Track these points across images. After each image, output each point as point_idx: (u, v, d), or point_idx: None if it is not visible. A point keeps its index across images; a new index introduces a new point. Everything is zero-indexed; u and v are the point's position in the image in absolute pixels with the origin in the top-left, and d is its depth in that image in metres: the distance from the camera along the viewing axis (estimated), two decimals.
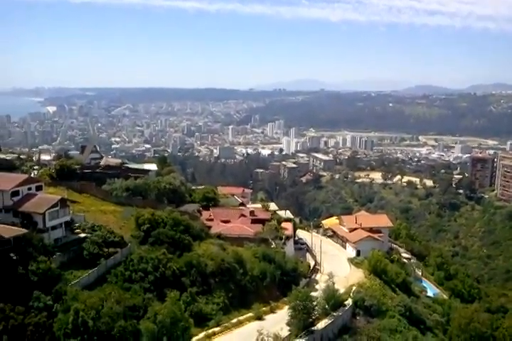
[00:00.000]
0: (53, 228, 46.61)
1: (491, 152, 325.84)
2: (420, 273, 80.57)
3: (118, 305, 36.80)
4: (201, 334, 41.27)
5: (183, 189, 72.95)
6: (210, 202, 74.66)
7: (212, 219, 65.79)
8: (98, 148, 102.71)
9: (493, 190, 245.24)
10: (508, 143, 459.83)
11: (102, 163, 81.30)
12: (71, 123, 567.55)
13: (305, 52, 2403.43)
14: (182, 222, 54.13)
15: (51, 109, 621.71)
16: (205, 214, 67.94)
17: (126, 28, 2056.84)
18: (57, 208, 47.16)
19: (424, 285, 76.40)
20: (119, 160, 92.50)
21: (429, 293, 73.15)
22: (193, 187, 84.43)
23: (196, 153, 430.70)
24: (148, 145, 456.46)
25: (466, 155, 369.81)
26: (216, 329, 42.81)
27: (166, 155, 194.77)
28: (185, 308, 41.32)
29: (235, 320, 45.24)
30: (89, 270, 42.82)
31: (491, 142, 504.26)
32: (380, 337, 47.45)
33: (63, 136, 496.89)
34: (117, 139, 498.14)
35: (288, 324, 43.27)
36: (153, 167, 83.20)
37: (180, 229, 53.05)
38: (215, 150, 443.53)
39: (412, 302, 60.64)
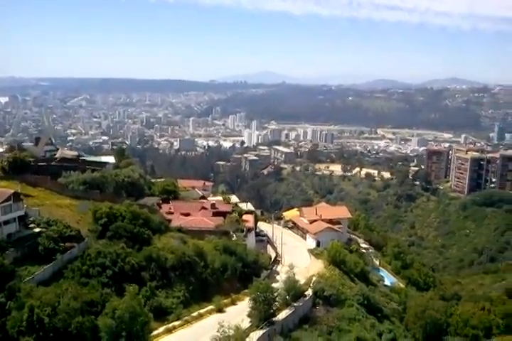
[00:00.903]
0: (6, 223, 44.88)
1: (446, 145, 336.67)
2: (378, 263, 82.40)
3: (75, 301, 35.90)
4: (161, 329, 40.86)
5: (142, 182, 71.67)
6: (170, 195, 73.79)
7: (172, 213, 65.01)
8: (53, 140, 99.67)
9: (448, 182, 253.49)
10: (463, 136, 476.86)
11: (58, 155, 78.74)
12: (25, 114, 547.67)
13: (266, 45, 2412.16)
14: (141, 216, 53.20)
15: (3, 99, 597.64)
16: (165, 207, 67.07)
17: (84, 15, 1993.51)
18: (10, 202, 45.43)
19: (382, 274, 78.13)
20: (75, 153, 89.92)
21: (387, 282, 74.89)
22: (153, 180, 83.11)
23: (156, 146, 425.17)
24: (105, 137, 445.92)
25: (423, 147, 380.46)
26: (176, 323, 42.47)
27: (125, 147, 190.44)
28: (145, 303, 40.78)
29: (195, 313, 45.01)
30: (45, 265, 41.50)
31: (446, 135, 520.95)
32: (339, 326, 48.31)
33: (16, 127, 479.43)
34: (73, 131, 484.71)
35: (249, 315, 43.39)
36: (110, 159, 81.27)
37: (140, 222, 52.15)
38: (175, 143, 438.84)
39: (370, 291, 61.98)
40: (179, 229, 57.91)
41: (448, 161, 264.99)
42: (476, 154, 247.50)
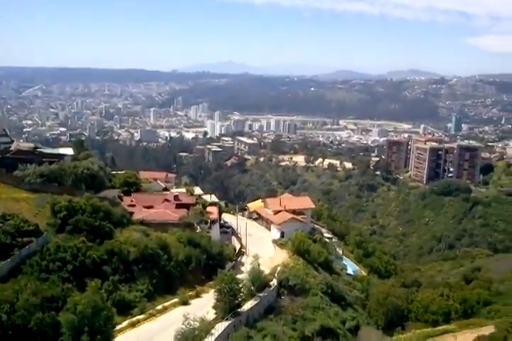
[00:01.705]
0: None
1: (406, 135, 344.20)
2: (341, 252, 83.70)
3: (34, 297, 34.65)
4: (125, 323, 40.12)
5: (102, 174, 69.81)
6: (131, 187, 72.24)
7: (134, 205, 63.71)
8: (8, 132, 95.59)
9: (408, 172, 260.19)
10: (421, 126, 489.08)
11: (13, 147, 75.53)
12: None
13: (228, 35, 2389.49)
14: (101, 209, 51.79)
15: None
16: (127, 199, 65.65)
17: (39, 1, 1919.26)
18: None
19: (345, 263, 79.46)
20: (31, 145, 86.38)
21: (349, 271, 76.24)
22: (113, 172, 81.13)
23: (116, 137, 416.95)
24: (63, 129, 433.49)
25: (383, 138, 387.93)
26: (140, 316, 41.78)
27: (83, 138, 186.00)
28: (108, 297, 39.81)
29: (159, 307, 44.43)
30: (2, 262, 39.88)
31: (405, 126, 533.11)
32: (303, 315, 48.75)
33: None
34: (29, 122, 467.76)
35: (214, 307, 43.14)
36: (69, 151, 78.70)
37: (100, 215, 50.76)
38: (136, 134, 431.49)
39: (333, 280, 62.91)
40: (141, 222, 56.81)
41: (407, 151, 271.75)
42: (434, 144, 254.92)
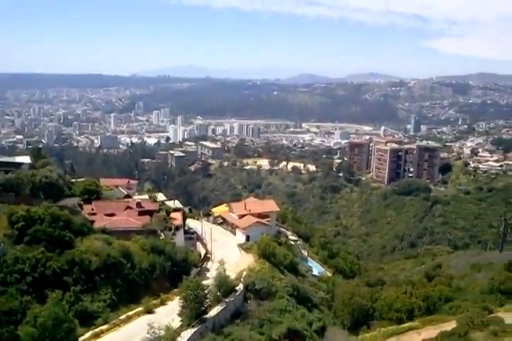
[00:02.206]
0: None
1: (367, 137, 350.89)
2: (306, 254, 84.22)
3: None
4: (88, 334, 39.06)
5: (61, 182, 67.88)
6: (92, 195, 70.63)
7: (95, 213, 62.25)
8: None
9: (369, 173, 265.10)
10: (382, 128, 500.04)
11: None
12: None
13: (189, 38, 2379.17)
14: (61, 218, 50.28)
15: None
16: (87, 208, 64.10)
17: None
18: None
19: (310, 264, 79.99)
20: None
21: (315, 272, 76.78)
22: (73, 180, 79.08)
23: (75, 144, 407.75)
24: (19, 136, 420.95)
25: (345, 140, 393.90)
26: (104, 327, 40.78)
27: (41, 146, 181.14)
28: (69, 308, 38.73)
29: (123, 316, 43.50)
30: None
31: (366, 128, 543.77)
32: (270, 318, 48.72)
33: None
34: None
35: (180, 314, 42.63)
36: (26, 159, 76.21)
37: (60, 225, 49.27)
38: (96, 140, 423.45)
39: (299, 282, 63.18)
40: (103, 230, 55.53)
41: (369, 153, 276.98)
42: (394, 146, 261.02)
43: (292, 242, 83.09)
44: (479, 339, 38.01)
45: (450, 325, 43.73)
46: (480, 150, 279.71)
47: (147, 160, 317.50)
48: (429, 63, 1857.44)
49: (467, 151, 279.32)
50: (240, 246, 70.20)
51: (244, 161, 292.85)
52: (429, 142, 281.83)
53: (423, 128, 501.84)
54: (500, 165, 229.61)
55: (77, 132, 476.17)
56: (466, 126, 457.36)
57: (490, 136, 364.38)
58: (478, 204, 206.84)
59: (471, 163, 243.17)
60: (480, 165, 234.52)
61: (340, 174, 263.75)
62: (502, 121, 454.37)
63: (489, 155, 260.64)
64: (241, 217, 77.69)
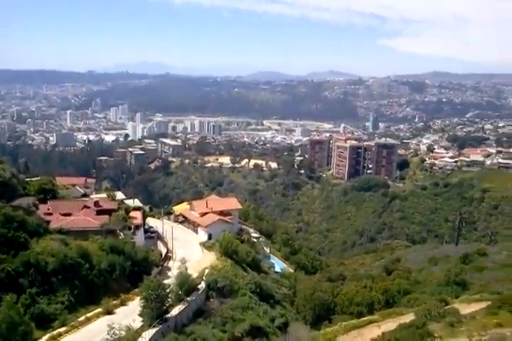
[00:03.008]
0: None
1: (327, 134, 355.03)
2: (268, 251, 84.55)
3: None
4: (45, 337, 37.67)
5: (14, 181, 65.39)
6: (47, 194, 68.23)
7: (51, 213, 60.14)
8: None
9: (330, 170, 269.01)
10: (342, 126, 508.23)
11: None
12: None
13: (147, 35, 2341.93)
14: (15, 218, 48.38)
15: None
16: (43, 207, 61.90)
17: None
18: None
19: (272, 261, 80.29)
20: None
21: (277, 269, 77.15)
22: (27, 179, 76.35)
23: (29, 141, 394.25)
24: None
25: (306, 138, 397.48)
26: (62, 329, 39.43)
27: None
28: (25, 311, 37.37)
29: (82, 318, 42.23)
30: None
31: (327, 125, 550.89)
32: (233, 316, 48.58)
33: None
34: None
35: (140, 315, 41.79)
36: None
37: (14, 226, 47.38)
38: (51, 138, 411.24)
39: (261, 278, 63.31)
40: (60, 231, 53.75)
41: (329, 150, 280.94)
42: (354, 143, 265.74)
43: (255, 239, 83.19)
44: (436, 330, 38.98)
45: (409, 318, 44.72)
46: (436, 146, 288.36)
47: (105, 158, 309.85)
48: (387, 62, 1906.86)
49: (423, 148, 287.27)
50: (202, 244, 69.66)
51: (206, 159, 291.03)
52: (387, 139, 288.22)
53: (381, 125, 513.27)
54: (455, 161, 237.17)
55: (31, 129, 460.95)
56: (423, 124, 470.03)
57: (445, 133, 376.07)
58: (434, 199, 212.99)
59: (427, 159, 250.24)
60: (436, 162, 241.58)
61: (302, 171, 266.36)
62: (456, 118, 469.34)
63: (445, 151, 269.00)
64: (203, 215, 77.07)
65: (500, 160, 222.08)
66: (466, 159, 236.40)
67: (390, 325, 44.41)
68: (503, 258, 78.70)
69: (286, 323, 53.51)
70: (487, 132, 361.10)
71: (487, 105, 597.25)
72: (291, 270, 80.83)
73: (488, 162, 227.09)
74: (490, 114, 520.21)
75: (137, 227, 63.77)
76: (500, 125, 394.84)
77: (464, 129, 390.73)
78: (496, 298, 45.04)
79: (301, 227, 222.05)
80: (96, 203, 64.89)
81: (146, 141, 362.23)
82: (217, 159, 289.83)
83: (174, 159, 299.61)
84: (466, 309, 44.27)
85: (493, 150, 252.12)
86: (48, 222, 55.81)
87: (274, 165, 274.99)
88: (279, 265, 79.96)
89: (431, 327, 39.61)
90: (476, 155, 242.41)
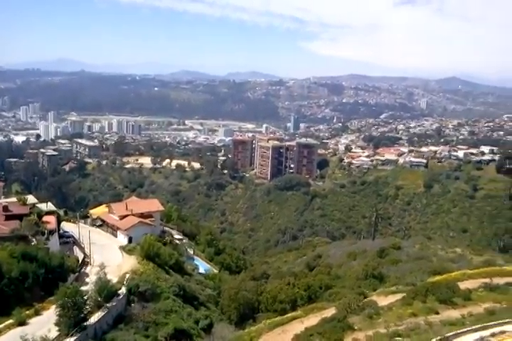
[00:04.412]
0: None
1: (250, 135, 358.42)
2: (192, 252, 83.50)
3: None
4: None
5: None
6: None
7: None
8: None
9: (253, 169, 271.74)
10: (264, 126, 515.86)
11: None
12: None
13: (63, 31, 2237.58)
14: None
15: None
16: None
17: None
18: None
19: (196, 262, 79.40)
20: None
21: (201, 270, 76.36)
22: None
23: None
24: None
25: (229, 138, 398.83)
26: None
27: None
28: None
29: None
30: None
31: (249, 125, 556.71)
32: (155, 320, 47.42)
33: None
34: None
35: (57, 324, 39.60)
36: None
37: None
38: None
39: (185, 281, 62.37)
40: None
41: (252, 150, 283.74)
42: (276, 143, 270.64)
43: (178, 241, 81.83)
44: (356, 323, 40.37)
45: (330, 312, 45.96)
46: (353, 146, 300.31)
47: (14, 159, 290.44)
48: (307, 64, 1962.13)
49: (342, 148, 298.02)
50: (122, 248, 67.29)
51: (125, 159, 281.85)
52: (308, 139, 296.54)
53: (302, 126, 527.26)
54: (371, 160, 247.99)
55: None
56: (341, 124, 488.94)
57: (361, 133, 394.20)
58: (352, 196, 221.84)
59: (345, 158, 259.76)
60: (353, 161, 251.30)
61: (225, 171, 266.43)
62: (372, 119, 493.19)
63: (361, 151, 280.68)
64: (122, 217, 74.46)
65: (412, 159, 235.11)
66: (381, 158, 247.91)
67: (312, 320, 45.35)
68: (416, 251, 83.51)
69: (211, 324, 53.12)
70: (400, 132, 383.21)
71: (399, 107, 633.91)
72: (215, 271, 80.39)
73: (401, 160, 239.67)
74: (402, 115, 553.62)
75: (51, 232, 60.24)
76: (412, 125, 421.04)
77: (379, 129, 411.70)
78: (410, 289, 47.47)
79: (225, 227, 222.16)
80: (5, 208, 60.54)
81: (60, 141, 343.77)
82: (137, 160, 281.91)
83: (91, 160, 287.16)
84: (383, 301, 46.27)
85: (405, 150, 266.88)
86: None
87: (196, 165, 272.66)
88: (203, 266, 79.20)
89: (351, 320, 40.96)
90: (390, 154, 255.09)
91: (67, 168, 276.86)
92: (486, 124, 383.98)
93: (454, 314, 40.11)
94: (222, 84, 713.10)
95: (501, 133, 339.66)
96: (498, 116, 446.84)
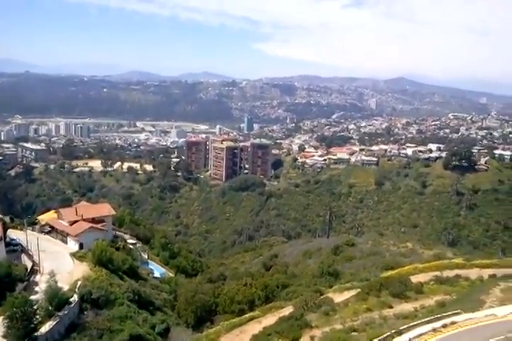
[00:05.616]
0: None
1: (204, 136, 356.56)
2: (146, 257, 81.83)
3: None
4: None
5: None
6: None
7: None
8: None
9: (208, 171, 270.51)
10: (217, 127, 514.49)
11: None
12: None
13: (5, 30, 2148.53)
14: None
15: None
16: None
17: None
18: None
19: (151, 267, 77.79)
20: None
21: (156, 274, 74.90)
22: None
23: None
24: None
25: (182, 139, 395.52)
26: None
27: None
28: None
29: None
30: None
31: (202, 127, 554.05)
32: (110, 327, 46.09)
33: None
34: None
35: (5, 336, 37.91)
36: None
37: None
38: None
39: (140, 286, 61.01)
40: None
41: (206, 151, 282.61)
42: (230, 144, 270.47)
43: (131, 246, 79.99)
44: (313, 320, 40.78)
45: (288, 310, 46.27)
46: (306, 146, 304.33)
47: None
48: (259, 64, 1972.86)
49: (295, 148, 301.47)
50: (73, 254, 64.99)
51: (74, 163, 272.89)
52: (262, 140, 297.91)
53: (256, 126, 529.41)
54: (324, 160, 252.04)
55: None
56: (294, 125, 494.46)
57: (314, 133, 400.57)
58: (306, 195, 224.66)
59: (299, 158, 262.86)
60: (307, 160, 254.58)
61: (179, 173, 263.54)
62: (324, 119, 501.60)
63: (314, 150, 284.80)
64: (72, 223, 71.94)
65: (363, 158, 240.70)
66: (334, 157, 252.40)
67: (270, 319, 45.47)
68: (369, 247, 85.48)
69: (167, 329, 52.20)
70: (351, 132, 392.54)
71: (350, 107, 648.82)
72: (171, 274, 79.12)
73: (352, 159, 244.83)
74: (353, 115, 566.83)
75: None
76: (362, 125, 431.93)
77: (331, 129, 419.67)
78: (364, 285, 48.41)
79: (180, 230, 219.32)
80: None
81: (4, 145, 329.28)
82: (86, 163, 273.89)
83: (37, 164, 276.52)
84: (339, 297, 46.99)
85: (356, 149, 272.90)
86: None
87: (149, 167, 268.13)
88: (158, 270, 77.76)
89: (308, 318, 41.34)
90: (342, 153, 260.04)
91: (12, 172, 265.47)
92: (432, 123, 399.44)
93: (407, 307, 41.26)
94: (174, 84, 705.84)
95: (447, 131, 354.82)
96: (444, 114, 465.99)
